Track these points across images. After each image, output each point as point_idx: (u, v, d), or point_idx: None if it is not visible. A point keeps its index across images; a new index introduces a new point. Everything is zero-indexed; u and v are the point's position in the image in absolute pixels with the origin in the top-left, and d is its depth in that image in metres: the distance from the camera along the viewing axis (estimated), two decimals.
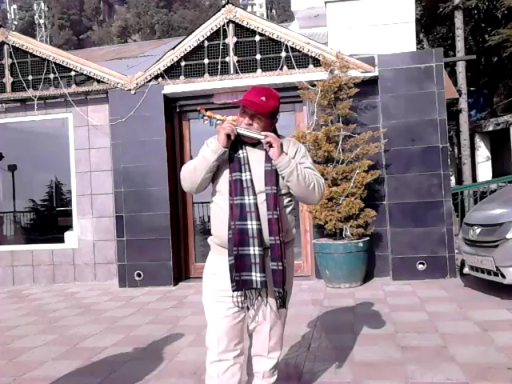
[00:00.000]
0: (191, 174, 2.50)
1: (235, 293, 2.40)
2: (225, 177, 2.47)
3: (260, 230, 2.36)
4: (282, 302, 2.44)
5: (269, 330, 2.55)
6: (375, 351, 3.63)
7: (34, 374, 3.63)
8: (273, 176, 2.41)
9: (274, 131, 2.52)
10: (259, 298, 2.43)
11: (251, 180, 2.41)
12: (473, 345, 3.63)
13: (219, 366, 2.46)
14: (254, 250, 2.37)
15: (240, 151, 2.47)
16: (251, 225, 2.37)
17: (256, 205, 2.38)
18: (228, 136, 2.39)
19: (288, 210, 2.52)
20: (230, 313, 2.45)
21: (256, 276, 2.37)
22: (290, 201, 2.54)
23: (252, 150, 2.49)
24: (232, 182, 2.42)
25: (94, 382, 3.42)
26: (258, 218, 2.37)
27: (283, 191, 2.47)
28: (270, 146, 2.38)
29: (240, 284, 2.38)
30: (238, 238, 2.37)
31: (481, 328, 3.99)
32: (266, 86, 2.73)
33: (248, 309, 2.50)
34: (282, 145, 2.42)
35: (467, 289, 5.40)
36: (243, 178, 2.41)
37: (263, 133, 2.40)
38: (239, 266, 2.38)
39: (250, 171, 2.42)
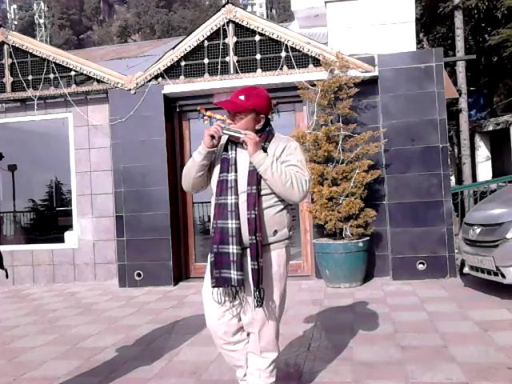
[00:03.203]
0: (186, 173, 2.63)
1: (215, 289, 2.50)
2: (216, 177, 2.57)
3: (239, 229, 2.44)
4: (259, 301, 2.46)
5: (258, 330, 2.59)
6: (375, 351, 3.63)
7: (34, 374, 3.63)
8: (255, 176, 2.47)
9: (263, 128, 2.56)
10: (238, 295, 2.49)
11: (235, 180, 2.49)
12: (473, 345, 3.63)
13: (223, 352, 2.73)
14: (232, 249, 2.44)
15: (230, 152, 2.56)
16: (231, 224, 2.44)
17: (237, 204, 2.46)
18: (212, 137, 2.47)
19: (275, 209, 2.53)
20: (222, 310, 2.56)
21: (234, 274, 2.44)
22: (280, 200, 2.55)
23: (241, 151, 2.55)
24: (219, 182, 2.53)
25: (94, 381, 3.42)
26: (238, 218, 2.44)
27: (269, 191, 2.51)
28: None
29: (220, 281, 2.48)
30: (219, 237, 2.46)
31: (481, 328, 3.99)
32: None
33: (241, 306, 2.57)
34: (265, 142, 2.51)
35: (467, 289, 5.40)
36: (229, 179, 2.50)
37: (243, 131, 2.46)
38: (219, 263, 2.47)
39: (235, 171, 2.50)
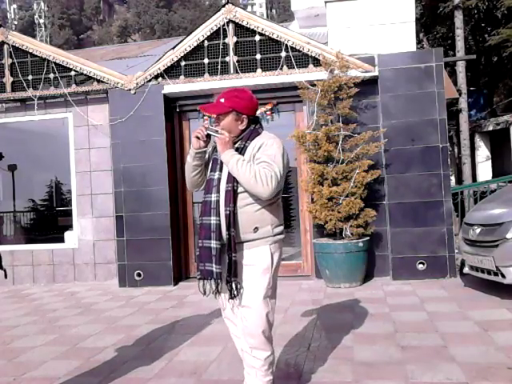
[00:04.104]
0: (185, 174, 2.81)
1: (200, 281, 2.68)
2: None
3: (218, 225, 2.56)
4: (234, 293, 2.58)
5: (244, 326, 2.65)
6: (375, 351, 3.63)
7: (34, 374, 3.63)
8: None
9: (247, 127, 2.65)
10: (218, 288, 2.61)
11: (219, 179, 2.63)
12: (473, 345, 3.63)
13: (236, 342, 2.82)
14: (213, 244, 2.57)
15: (218, 152, 2.67)
16: (213, 220, 2.57)
17: (218, 202, 2.58)
18: (198, 138, 2.62)
19: (256, 207, 2.59)
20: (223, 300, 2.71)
21: (214, 267, 2.58)
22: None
23: None
24: (207, 181, 2.68)
25: (94, 381, 3.42)
26: (218, 214, 2.57)
27: None
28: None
29: (204, 273, 2.64)
30: (203, 232, 2.60)
31: (481, 328, 3.99)
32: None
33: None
34: (247, 141, 2.62)
35: (467, 288, 5.40)
36: (214, 177, 2.64)
37: (220, 131, 2.59)
38: (202, 256, 2.62)
39: (220, 171, 2.64)
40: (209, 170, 2.70)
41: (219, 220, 2.55)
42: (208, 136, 2.63)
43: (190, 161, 2.70)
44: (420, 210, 6.06)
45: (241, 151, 2.60)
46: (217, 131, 2.59)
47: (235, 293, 2.57)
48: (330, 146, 5.87)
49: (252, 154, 2.58)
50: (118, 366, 3.66)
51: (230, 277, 2.54)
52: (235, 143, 2.64)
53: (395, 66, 6.17)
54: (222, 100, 2.62)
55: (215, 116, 2.69)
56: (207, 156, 2.76)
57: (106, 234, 6.99)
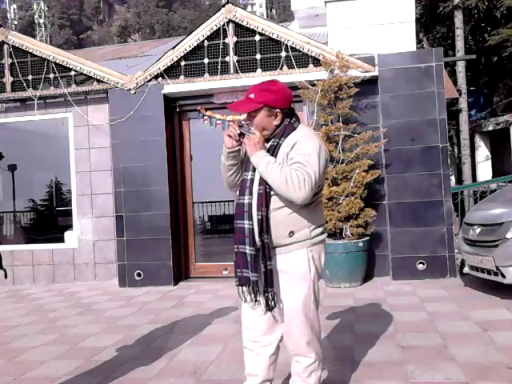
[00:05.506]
0: (222, 173, 2.64)
1: (239, 287, 2.48)
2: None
3: (252, 230, 2.39)
4: (268, 306, 2.42)
5: (284, 333, 2.53)
6: (375, 351, 3.63)
7: (34, 374, 3.63)
8: None
9: (282, 122, 2.45)
10: (255, 296, 2.44)
11: (252, 180, 2.45)
12: (473, 345, 3.63)
13: (245, 352, 2.62)
14: (248, 249, 2.40)
15: None
16: (246, 224, 2.41)
17: (250, 205, 2.41)
18: (230, 137, 2.45)
19: (290, 209, 2.40)
20: (251, 306, 2.52)
21: (251, 275, 2.41)
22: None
23: None
24: (241, 182, 2.52)
25: (94, 381, 3.42)
26: (251, 218, 2.40)
27: None
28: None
29: (242, 279, 2.46)
30: (238, 237, 2.43)
31: (481, 328, 3.99)
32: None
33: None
34: (280, 138, 2.44)
35: (467, 288, 5.40)
36: (247, 178, 2.47)
37: (252, 130, 2.44)
38: (239, 262, 2.45)
39: (254, 171, 2.45)
40: (243, 170, 2.54)
41: (252, 224, 2.37)
42: (241, 134, 2.44)
43: (224, 160, 2.52)
44: (420, 210, 6.05)
45: (274, 150, 2.41)
46: (249, 130, 2.42)
47: (272, 304, 2.40)
48: (330, 146, 5.87)
49: (285, 153, 2.38)
50: (118, 366, 3.66)
51: (267, 287, 2.37)
52: (269, 140, 2.46)
53: (395, 66, 6.17)
54: (252, 96, 2.40)
55: (246, 114, 2.48)
56: (243, 153, 2.55)
57: (106, 233, 6.98)
